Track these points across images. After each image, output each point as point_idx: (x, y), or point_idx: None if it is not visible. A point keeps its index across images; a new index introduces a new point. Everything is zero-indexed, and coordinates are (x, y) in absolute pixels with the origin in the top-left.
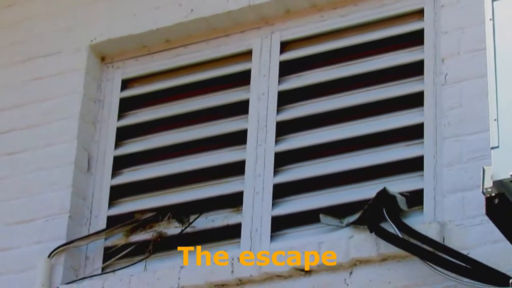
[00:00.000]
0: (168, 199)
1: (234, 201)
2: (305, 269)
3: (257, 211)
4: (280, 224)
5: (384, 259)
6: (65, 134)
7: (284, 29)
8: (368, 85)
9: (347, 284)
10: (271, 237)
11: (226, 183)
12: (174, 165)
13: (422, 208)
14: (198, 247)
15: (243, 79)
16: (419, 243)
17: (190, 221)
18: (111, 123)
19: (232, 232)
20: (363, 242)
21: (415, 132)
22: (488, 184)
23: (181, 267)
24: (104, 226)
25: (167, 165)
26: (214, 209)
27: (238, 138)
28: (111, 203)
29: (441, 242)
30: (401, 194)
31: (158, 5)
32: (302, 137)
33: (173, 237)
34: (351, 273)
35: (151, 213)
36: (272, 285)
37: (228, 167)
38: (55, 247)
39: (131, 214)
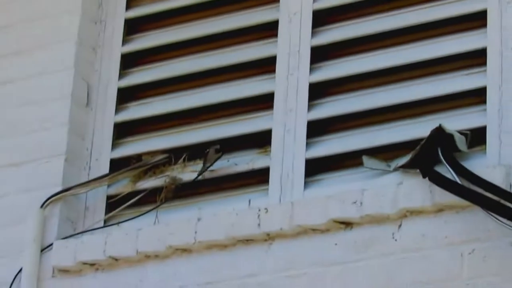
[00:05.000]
0: (183, 139)
1: (261, 140)
2: (346, 222)
3: (288, 152)
4: (315, 168)
5: (439, 210)
6: (60, 61)
7: None
8: (421, 2)
9: (395, 239)
10: (305, 183)
11: (251, 119)
12: (189, 98)
13: (485, 149)
14: (219, 195)
15: None
16: (481, 191)
17: (210, 163)
18: (115, 48)
19: (258, 178)
20: (414, 190)
21: (477, 58)
22: None
23: (199, 219)
24: (107, 171)
25: (182, 98)
26: (237, 150)
27: (266, 66)
28: (115, 143)
29: (508, 189)
30: (460, 132)
31: None
32: (341, 65)
33: (189, 183)
34: (400, 226)
35: (162, 155)
36: (306, 240)
37: (254, 100)
38: (48, 195)
39: (138, 157)
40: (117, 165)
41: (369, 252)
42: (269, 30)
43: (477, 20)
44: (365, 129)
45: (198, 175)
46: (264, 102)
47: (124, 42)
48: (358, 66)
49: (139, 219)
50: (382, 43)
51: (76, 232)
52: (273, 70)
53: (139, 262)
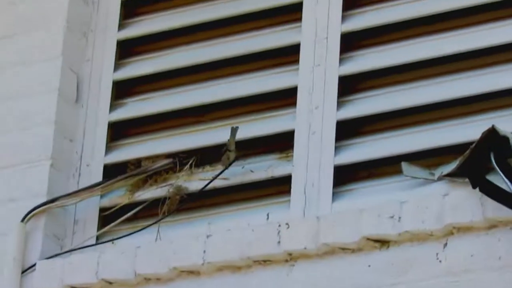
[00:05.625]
0: (190, 141)
1: (282, 143)
2: (381, 240)
3: (314, 157)
4: (345, 176)
5: (492, 226)
6: (44, 49)
7: None
8: None
9: (440, 261)
10: (334, 194)
11: (270, 119)
12: (197, 93)
13: None
14: (232, 208)
15: None
16: None
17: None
18: (110, 34)
19: (278, 187)
20: (462, 202)
21: None
22: None
23: (208, 236)
24: (100, 178)
25: (188, 93)
26: (253, 155)
27: (287, 56)
28: (109, 146)
29: None
30: None
31: None
32: (376, 55)
33: (197, 193)
34: (445, 245)
35: (165, 160)
36: (335, 262)
37: (273, 96)
38: (31, 207)
39: (137, 162)
40: (112, 171)
41: (408, 275)
42: (291, 12)
43: None
44: (405, 131)
45: (226, 167)
46: (285, 98)
47: (121, 26)
48: (396, 56)
49: (138, 235)
50: (426, 29)
51: (64, 250)
52: (296, 61)
53: (137, 286)
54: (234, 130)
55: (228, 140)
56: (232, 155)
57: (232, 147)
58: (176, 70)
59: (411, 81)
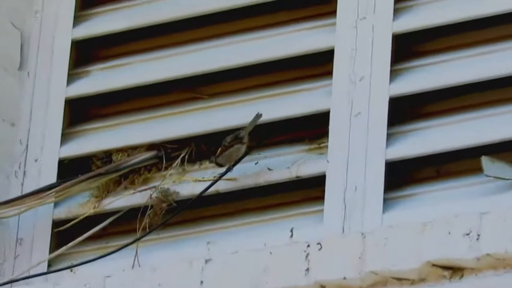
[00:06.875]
0: (180, 126)
1: (312, 129)
2: (453, 266)
3: (358, 149)
4: (402, 177)
5: None
6: None
7: None
8: None
9: None
10: (385, 201)
11: (295, 95)
12: (192, 59)
13: None
14: (240, 221)
15: None
16: None
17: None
18: None
19: (307, 192)
20: None
21: None
22: None
23: (207, 261)
24: (54, 179)
25: (179, 58)
26: (272, 146)
27: (320, 6)
28: (66, 133)
29: None
30: None
31: None
32: (446, 3)
33: (192, 201)
34: None
35: (146, 152)
36: None
37: (301, 63)
38: None
39: (106, 155)
40: (70, 169)
41: None
42: None
43: None
44: (485, 112)
45: (227, 171)
46: (318, 65)
47: None
48: (474, 7)
49: (108, 260)
50: None
51: (2, 281)
52: (332, 12)
53: None
54: (256, 118)
55: (244, 128)
56: (242, 148)
57: (246, 139)
58: (161, 26)
59: (492, 41)
